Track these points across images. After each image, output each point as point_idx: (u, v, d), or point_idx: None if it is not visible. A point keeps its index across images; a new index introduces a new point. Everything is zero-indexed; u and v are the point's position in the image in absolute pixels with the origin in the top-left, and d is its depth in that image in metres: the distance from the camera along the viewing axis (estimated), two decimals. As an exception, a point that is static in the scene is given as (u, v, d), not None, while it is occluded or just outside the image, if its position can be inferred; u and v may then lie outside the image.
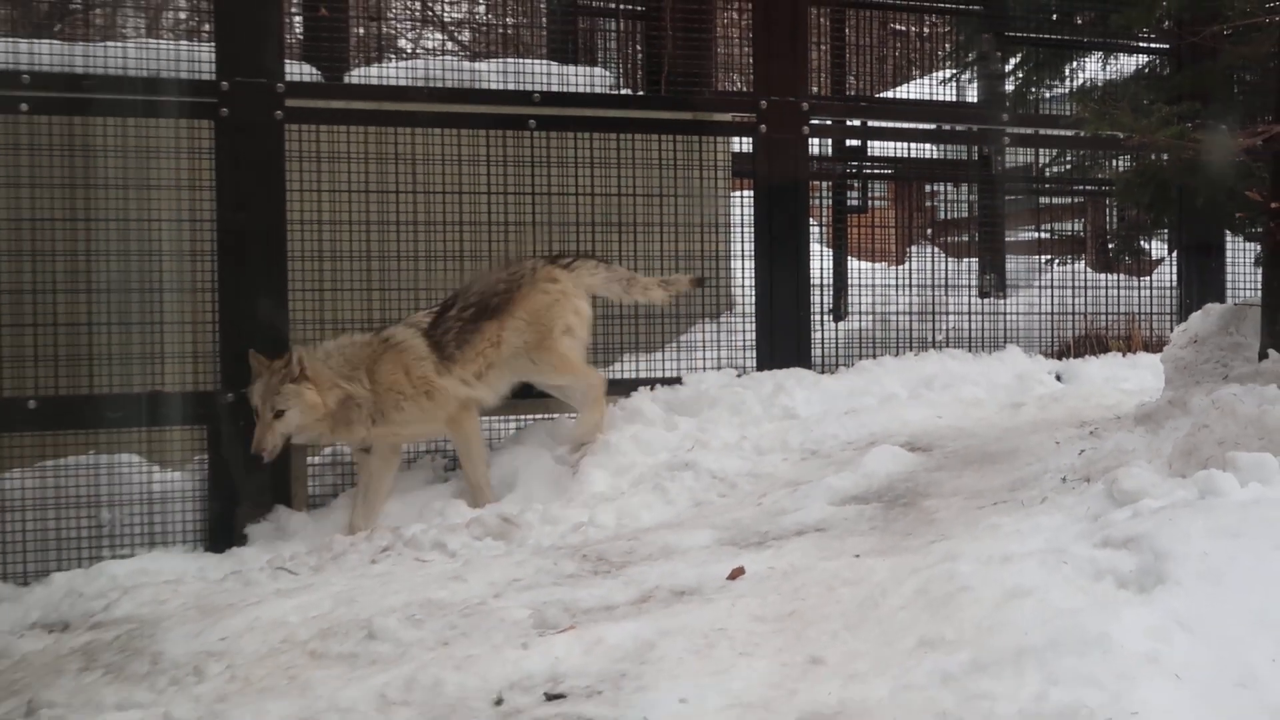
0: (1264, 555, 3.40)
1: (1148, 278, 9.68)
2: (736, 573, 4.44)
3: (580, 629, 4.01)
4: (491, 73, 8.02)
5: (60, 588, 5.81)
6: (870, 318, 8.62)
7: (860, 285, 8.74)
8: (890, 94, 13.88)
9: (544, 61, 8.87)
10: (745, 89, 11.37)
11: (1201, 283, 8.77)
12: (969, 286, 9.15)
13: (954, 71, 10.84)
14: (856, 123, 10.18)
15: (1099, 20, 9.14)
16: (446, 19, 16.11)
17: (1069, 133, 8.78)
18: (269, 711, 3.71)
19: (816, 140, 10.85)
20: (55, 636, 5.22)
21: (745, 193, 7.93)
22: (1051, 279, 9.53)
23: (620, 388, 7.25)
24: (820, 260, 8.57)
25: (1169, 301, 9.06)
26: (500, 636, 4.08)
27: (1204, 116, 6.34)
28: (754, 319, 7.74)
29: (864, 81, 13.02)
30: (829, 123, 9.51)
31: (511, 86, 7.63)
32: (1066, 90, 9.76)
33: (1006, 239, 11.56)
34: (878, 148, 11.68)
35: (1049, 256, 13.01)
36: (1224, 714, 2.93)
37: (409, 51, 15.57)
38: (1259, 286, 5.86)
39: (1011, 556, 3.79)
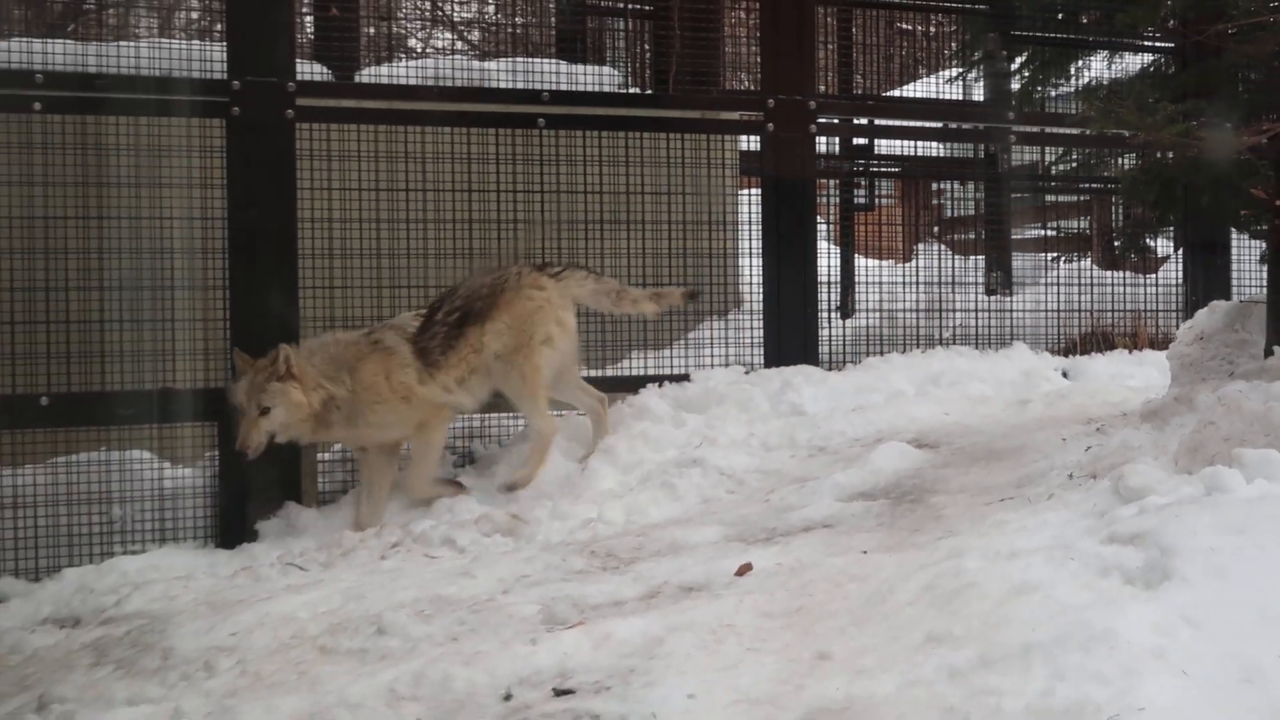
0: (1270, 551, 3.41)
1: (1153, 275, 9.68)
2: (744, 569, 4.46)
3: (589, 625, 4.03)
4: (501, 72, 8.05)
5: (71, 583, 5.83)
6: (877, 315, 8.64)
7: (867, 283, 8.77)
8: (897, 93, 13.88)
9: (553, 61, 8.88)
10: (753, 88, 11.35)
11: (1207, 280, 8.78)
12: (976, 284, 9.15)
13: (960, 70, 10.86)
14: (863, 121, 10.20)
15: (1104, 19, 9.16)
16: (456, 18, 16.12)
17: (1075, 131, 8.78)
18: (279, 706, 3.73)
19: (824, 139, 10.80)
20: (66, 632, 5.24)
21: (753, 191, 7.95)
22: (1058, 276, 9.54)
23: (628, 385, 7.26)
24: (827, 258, 8.57)
25: (1175, 299, 9.05)
26: (509, 632, 4.10)
27: (1209, 115, 6.35)
28: (762, 316, 7.74)
29: (871, 80, 12.99)
30: (836, 121, 9.52)
31: (520, 85, 7.65)
32: (1072, 88, 9.79)
33: (1013, 236, 11.58)
34: (885, 146, 11.69)
35: (1055, 254, 13.01)
36: (1230, 710, 2.94)
37: (419, 51, 15.60)
38: (1265, 284, 5.87)
39: (1018, 552, 3.81)
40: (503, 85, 7.73)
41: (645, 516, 5.84)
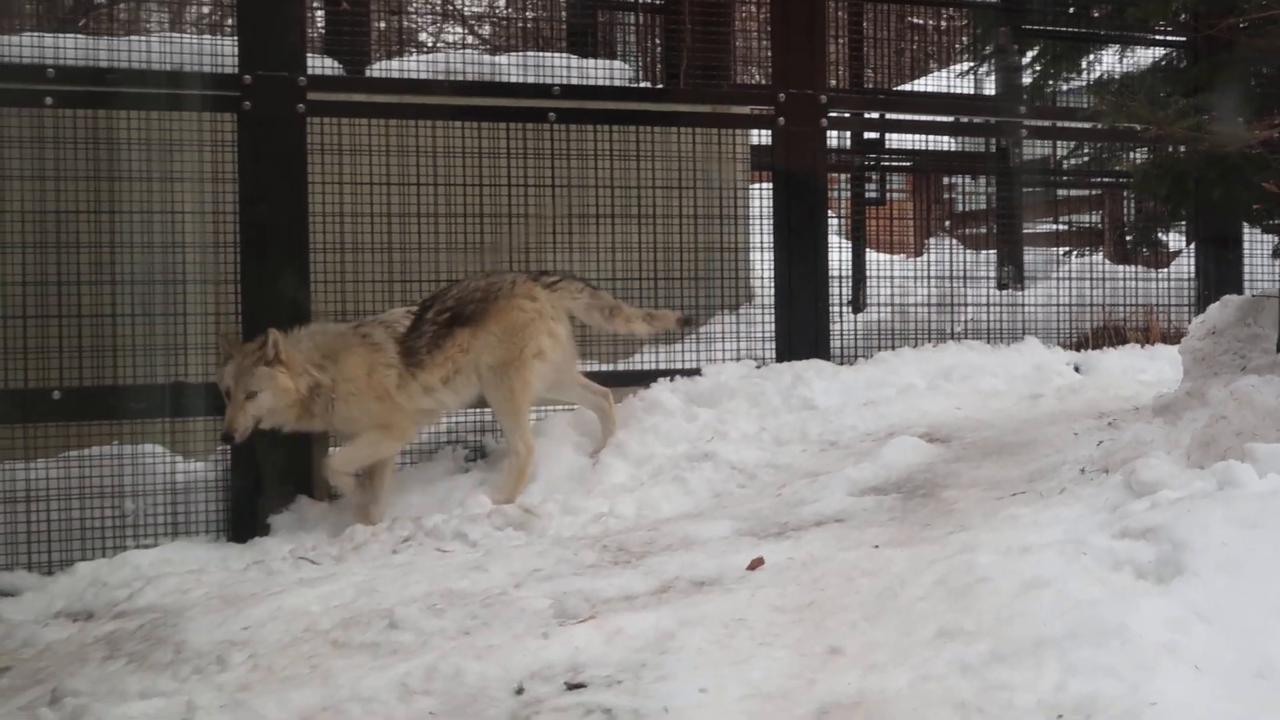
0: (1282, 546, 3.41)
1: (1165, 269, 9.68)
2: (756, 563, 4.46)
3: (600, 619, 4.02)
4: (511, 66, 8.07)
5: (84, 577, 5.86)
6: (889, 309, 8.64)
7: (879, 277, 8.76)
8: (908, 87, 13.87)
9: (563, 55, 8.89)
10: (764, 82, 11.38)
11: (1219, 274, 8.76)
12: (987, 278, 9.16)
13: (972, 64, 10.85)
14: (875, 115, 10.16)
15: (1116, 13, 9.15)
16: (467, 13, 16.14)
17: (1086, 125, 8.78)
18: (291, 700, 3.73)
19: (835, 133, 10.82)
20: (79, 625, 5.26)
21: (764, 185, 7.95)
22: (1069, 271, 9.54)
23: (640, 379, 7.26)
24: (839, 252, 8.59)
25: (1187, 293, 9.05)
26: (521, 626, 4.10)
27: (1221, 109, 6.34)
28: (773, 310, 7.75)
29: (882, 74, 13.02)
30: (847, 115, 9.51)
31: (531, 80, 7.67)
32: (1084, 83, 9.78)
33: (1024, 231, 11.56)
34: (896, 140, 11.67)
35: (1067, 248, 13.00)
36: (1242, 704, 2.93)
37: (430, 45, 15.62)
38: (1277, 278, 5.86)
39: (1030, 547, 3.80)
40: (513, 80, 7.74)
41: (656, 511, 5.84)
